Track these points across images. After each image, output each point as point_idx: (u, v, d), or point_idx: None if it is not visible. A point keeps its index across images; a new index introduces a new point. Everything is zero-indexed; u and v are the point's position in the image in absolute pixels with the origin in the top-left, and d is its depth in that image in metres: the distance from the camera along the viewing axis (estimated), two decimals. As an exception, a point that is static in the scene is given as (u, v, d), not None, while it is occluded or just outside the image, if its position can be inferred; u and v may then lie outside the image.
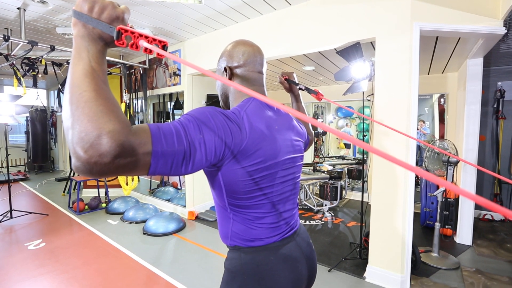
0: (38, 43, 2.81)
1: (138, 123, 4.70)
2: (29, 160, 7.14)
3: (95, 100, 0.44)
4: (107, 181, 4.62)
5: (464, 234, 2.98)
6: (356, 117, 7.23)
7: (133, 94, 4.60)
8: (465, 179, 2.98)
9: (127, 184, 4.06)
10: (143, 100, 4.60)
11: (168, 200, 4.27)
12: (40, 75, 3.81)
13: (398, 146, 2.12)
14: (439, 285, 2.19)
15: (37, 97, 5.30)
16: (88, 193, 4.81)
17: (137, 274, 2.35)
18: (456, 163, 2.56)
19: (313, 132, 1.16)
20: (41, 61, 3.38)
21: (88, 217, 3.78)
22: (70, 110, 0.44)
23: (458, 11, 1.96)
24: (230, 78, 0.82)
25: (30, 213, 3.82)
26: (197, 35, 3.48)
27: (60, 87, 4.01)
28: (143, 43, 0.47)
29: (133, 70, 4.56)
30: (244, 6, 2.62)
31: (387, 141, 2.17)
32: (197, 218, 3.77)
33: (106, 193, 4.35)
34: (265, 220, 0.75)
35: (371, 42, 2.55)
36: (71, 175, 4.75)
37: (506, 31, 1.96)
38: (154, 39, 0.49)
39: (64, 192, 4.97)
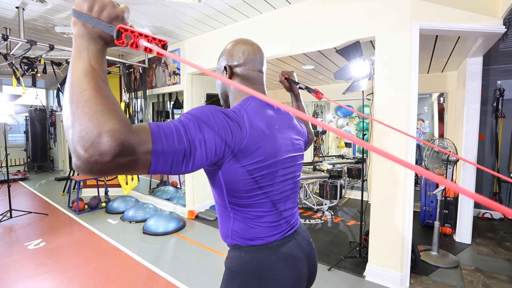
0: (37, 42, 2.80)
1: (138, 122, 4.69)
2: (29, 159, 7.13)
3: (95, 99, 0.44)
4: (107, 180, 4.62)
5: (463, 232, 2.98)
6: (355, 116, 7.23)
7: (133, 93, 4.59)
8: (465, 178, 2.98)
9: (126, 183, 4.06)
10: (142, 100, 4.60)
11: (168, 199, 4.28)
12: (39, 75, 3.81)
13: (397, 145, 2.12)
14: (438, 283, 2.19)
15: (36, 96, 5.29)
16: (88, 193, 4.81)
17: (137, 274, 2.36)
18: (455, 162, 2.57)
19: (313, 131, 1.16)
20: (40, 61, 3.37)
21: (88, 216, 3.78)
22: (70, 109, 0.44)
23: (458, 10, 1.96)
24: (230, 77, 0.82)
25: (30, 212, 3.82)
26: (197, 34, 3.47)
27: (59, 86, 4.00)
28: (143, 42, 0.47)
29: (132, 70, 4.56)
30: (244, 5, 2.62)
31: (387, 140, 2.17)
32: (197, 217, 3.77)
33: (106, 192, 4.35)
34: (265, 219, 0.75)
35: (370, 41, 2.55)
36: (71, 174, 4.75)
37: (505, 29, 1.96)
38: (154, 38, 0.49)
39: (63, 191, 4.96)
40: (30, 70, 3.45)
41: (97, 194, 4.40)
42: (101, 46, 0.50)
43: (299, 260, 0.80)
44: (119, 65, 4.48)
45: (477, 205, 3.54)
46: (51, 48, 2.98)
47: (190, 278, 2.29)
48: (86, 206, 4.00)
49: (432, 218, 3.32)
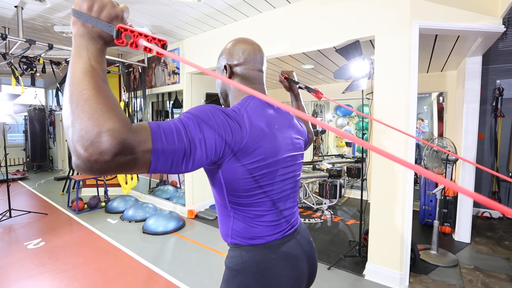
0: (36, 42, 2.79)
1: (137, 122, 4.69)
2: (28, 159, 7.12)
3: (95, 98, 0.44)
4: (106, 180, 4.61)
5: (462, 231, 2.99)
6: (355, 116, 7.23)
7: (132, 93, 4.58)
8: (464, 177, 2.99)
9: (126, 183, 4.05)
10: (142, 99, 4.59)
11: (168, 199, 4.28)
12: (38, 74, 3.80)
13: (397, 144, 2.12)
14: (438, 282, 2.20)
15: (35, 96, 5.28)
16: (87, 192, 4.81)
17: (137, 273, 2.36)
18: (455, 161, 2.57)
19: (312, 130, 1.16)
20: (39, 60, 3.36)
21: (88, 216, 3.78)
22: (70, 108, 0.44)
23: (457, 9, 1.96)
24: (230, 76, 0.82)
25: (29, 212, 3.81)
26: (196, 34, 3.47)
27: (58, 86, 4.00)
28: (143, 42, 0.47)
29: (132, 69, 4.55)
30: (243, 4, 2.61)
31: (386, 140, 2.17)
32: (197, 216, 3.77)
33: (106, 192, 4.35)
34: (265, 218, 0.75)
35: (370, 41, 2.55)
36: (70, 174, 4.74)
37: (505, 29, 1.96)
38: (154, 38, 0.49)
39: (63, 191, 4.96)
40: (29, 69, 3.44)
41: (96, 194, 4.40)
42: (100, 45, 0.50)
43: (300, 259, 0.80)
44: (118, 64, 4.47)
45: (476, 204, 3.55)
46: (50, 47, 2.97)
47: (190, 277, 2.29)
48: (85, 206, 4.00)
49: (431, 217, 3.32)
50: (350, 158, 5.83)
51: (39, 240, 2.97)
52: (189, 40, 3.62)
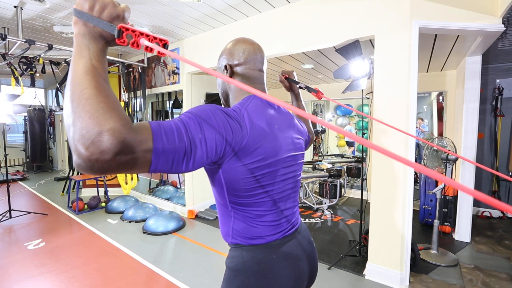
0: (36, 42, 2.79)
1: (137, 122, 4.69)
2: (28, 159, 7.11)
3: (96, 97, 0.44)
4: (107, 180, 4.61)
5: (462, 231, 2.99)
6: (355, 115, 7.23)
7: (132, 93, 4.58)
8: (464, 177, 2.99)
9: (126, 183, 4.05)
10: (141, 99, 4.59)
11: (168, 199, 4.27)
12: (38, 74, 3.79)
13: (397, 144, 2.12)
14: (438, 282, 2.20)
15: (35, 96, 5.28)
16: (87, 193, 4.80)
17: (137, 273, 2.36)
18: (455, 160, 2.58)
19: (313, 130, 1.16)
20: (38, 60, 3.36)
21: (88, 216, 3.77)
22: (71, 107, 0.44)
23: (457, 9, 1.97)
24: (230, 76, 0.82)
25: (29, 212, 3.81)
26: (196, 34, 3.47)
27: (58, 86, 3.99)
28: (144, 42, 0.47)
29: (131, 69, 4.55)
30: (243, 4, 2.61)
31: (386, 139, 2.17)
32: (197, 216, 3.77)
33: (106, 192, 4.34)
34: (266, 218, 0.75)
35: (370, 40, 2.55)
36: (70, 174, 4.74)
37: (504, 28, 1.96)
38: (155, 38, 0.49)
39: (63, 191, 4.96)
40: (29, 69, 3.44)
41: (96, 194, 4.40)
42: (102, 45, 0.50)
43: (300, 259, 0.80)
44: (118, 64, 4.47)
45: (476, 204, 3.55)
46: (50, 47, 2.97)
47: (190, 277, 2.29)
48: (85, 206, 4.00)
49: (431, 216, 3.32)
50: (350, 157, 5.83)
51: (39, 241, 2.97)
52: (188, 40, 3.62)
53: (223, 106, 0.79)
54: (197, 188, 3.90)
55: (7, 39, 2.67)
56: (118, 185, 4.63)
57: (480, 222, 3.47)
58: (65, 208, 4.12)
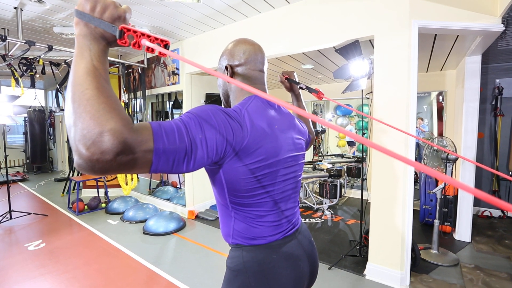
0: (36, 43, 2.79)
1: (137, 122, 4.69)
2: (28, 160, 7.11)
3: (97, 98, 0.45)
4: (107, 181, 4.61)
5: (463, 231, 2.99)
6: (355, 115, 7.23)
7: (132, 93, 4.58)
8: (464, 176, 2.99)
9: (126, 184, 4.05)
10: (141, 100, 4.59)
11: (168, 199, 4.27)
12: (38, 75, 3.80)
13: (397, 144, 2.12)
14: (438, 281, 2.20)
15: (35, 97, 5.28)
16: (88, 193, 4.80)
17: (137, 274, 2.36)
18: (455, 160, 2.58)
19: (313, 130, 1.16)
20: (38, 61, 3.36)
21: (88, 217, 3.77)
22: (72, 108, 0.45)
23: (457, 9, 1.97)
24: (231, 77, 0.82)
25: (30, 213, 3.81)
26: (196, 34, 3.47)
27: (58, 87, 3.99)
28: (145, 42, 0.48)
29: (131, 70, 4.55)
30: (243, 5, 2.62)
31: (386, 139, 2.18)
32: (197, 217, 3.77)
33: (106, 193, 4.34)
34: (266, 218, 0.75)
35: (369, 40, 2.55)
36: (70, 175, 4.74)
37: (504, 28, 1.96)
38: (156, 38, 0.49)
39: (63, 192, 4.95)
40: (29, 70, 3.44)
41: (97, 195, 4.40)
42: (103, 46, 0.51)
43: (301, 259, 0.80)
44: (118, 65, 4.47)
45: (476, 203, 3.55)
46: (50, 48, 2.98)
47: (190, 278, 2.29)
48: (86, 207, 4.00)
49: (431, 216, 3.32)
50: (350, 157, 5.83)
51: (39, 242, 2.97)
52: (188, 40, 3.62)
53: (223, 106, 0.79)
54: (197, 189, 3.90)
55: (7, 40, 2.68)
56: (118, 186, 4.63)
57: (481, 222, 3.47)
58: (65, 209, 4.12)
